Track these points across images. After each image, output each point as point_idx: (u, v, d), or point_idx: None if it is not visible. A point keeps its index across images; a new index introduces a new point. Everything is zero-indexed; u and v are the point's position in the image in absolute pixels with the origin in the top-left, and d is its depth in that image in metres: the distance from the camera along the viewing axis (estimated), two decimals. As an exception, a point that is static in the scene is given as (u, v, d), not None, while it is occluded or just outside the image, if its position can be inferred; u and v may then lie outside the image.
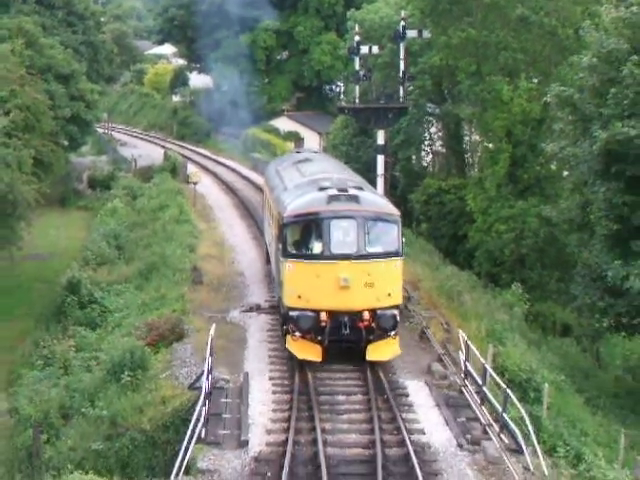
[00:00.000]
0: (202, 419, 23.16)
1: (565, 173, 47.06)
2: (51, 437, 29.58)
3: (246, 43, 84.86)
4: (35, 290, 50.56)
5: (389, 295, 24.41)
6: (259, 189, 57.36)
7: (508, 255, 47.91)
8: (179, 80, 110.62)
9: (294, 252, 25.11)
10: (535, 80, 48.85)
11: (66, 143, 65.91)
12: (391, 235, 25.57)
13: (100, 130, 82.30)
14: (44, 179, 51.12)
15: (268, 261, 41.27)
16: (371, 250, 24.65)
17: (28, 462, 29.38)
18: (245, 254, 47.87)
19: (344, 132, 67.47)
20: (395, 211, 26.07)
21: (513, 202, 47.63)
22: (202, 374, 25.72)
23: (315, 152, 43.10)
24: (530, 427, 23.50)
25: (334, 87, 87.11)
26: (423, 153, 63.35)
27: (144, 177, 70.40)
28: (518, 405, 23.45)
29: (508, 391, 21.81)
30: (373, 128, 49.34)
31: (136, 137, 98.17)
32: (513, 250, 47.69)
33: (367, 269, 24.06)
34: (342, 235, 23.73)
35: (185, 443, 22.01)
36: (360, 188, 26.73)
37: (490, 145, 50.53)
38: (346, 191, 25.15)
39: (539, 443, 23.88)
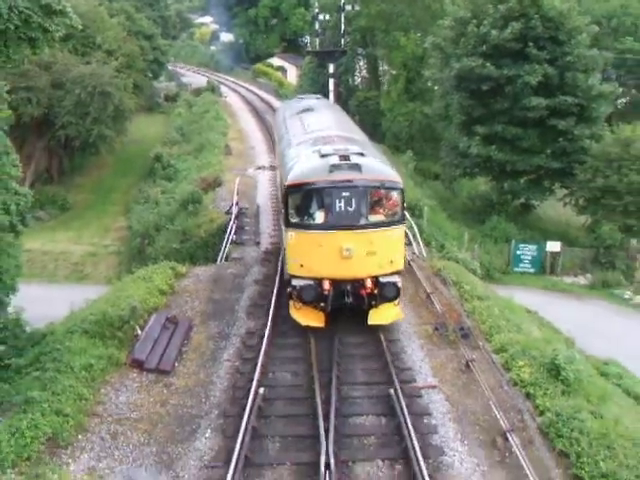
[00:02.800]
0: (233, 230, 28.40)
1: (436, 87, 54.92)
2: (150, 242, 35.31)
3: (252, 14, 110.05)
4: (137, 159, 57.65)
5: (391, 262, 18.66)
6: (262, 101, 75.88)
7: (404, 135, 58.81)
8: (214, 37, 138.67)
9: (296, 221, 18.77)
10: (419, 34, 58.60)
11: (151, 75, 79.12)
12: (393, 203, 19.28)
13: (170, 67, 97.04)
14: (139, 96, 62.66)
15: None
16: (373, 219, 18.60)
17: (138, 256, 35.51)
18: (255, 137, 55.79)
19: (310, 65, 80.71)
20: (397, 178, 19.29)
21: (407, 104, 58.98)
22: (232, 205, 30.70)
23: (317, 98, 33.53)
24: (416, 230, 29.64)
25: (304, 39, 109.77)
26: (356, 77, 76.51)
27: (196, 94, 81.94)
28: (410, 219, 28.46)
29: (405, 213, 21.12)
30: (327, 63, 61.70)
31: (190, 71, 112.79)
32: (407, 132, 58.71)
33: (369, 238, 18.30)
34: (344, 205, 18.16)
35: (224, 243, 27.69)
36: (361, 154, 19.28)
37: (393, 72, 63.45)
38: (348, 159, 18.70)
39: (421, 239, 29.98)
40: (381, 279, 18.62)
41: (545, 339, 20.64)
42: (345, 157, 18.79)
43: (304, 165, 19.28)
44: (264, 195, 35.57)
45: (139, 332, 18.20)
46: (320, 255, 18.28)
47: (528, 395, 16.38)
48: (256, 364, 16.77)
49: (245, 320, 20.07)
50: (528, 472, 13.41)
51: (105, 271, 39.07)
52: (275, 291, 21.43)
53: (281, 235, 22.99)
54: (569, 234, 41.53)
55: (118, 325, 18.27)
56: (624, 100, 57.22)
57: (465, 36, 44.03)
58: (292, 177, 18.93)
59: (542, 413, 15.41)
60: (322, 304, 18.65)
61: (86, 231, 45.57)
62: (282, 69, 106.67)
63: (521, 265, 37.82)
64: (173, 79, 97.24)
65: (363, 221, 18.42)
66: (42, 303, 19.88)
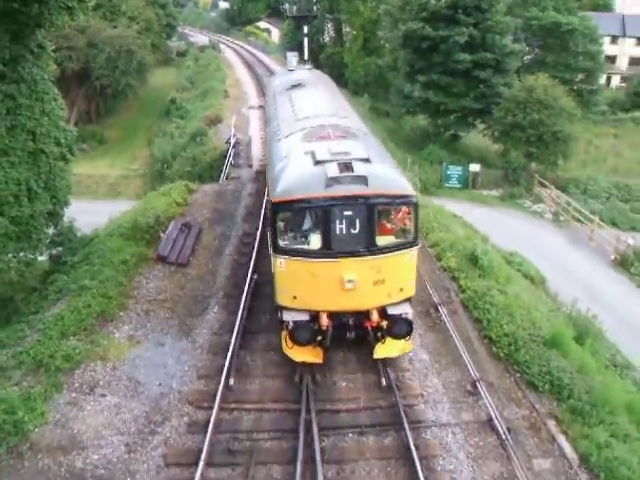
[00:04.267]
0: (231, 156, 27.84)
1: (387, 45, 54.24)
2: (168, 166, 35.23)
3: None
4: (156, 103, 56.50)
5: (401, 290, 12.11)
6: (253, 55, 72.74)
7: (362, 82, 57.19)
8: (213, 5, 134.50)
9: (286, 246, 11.88)
10: (374, 2, 56.66)
11: (165, 36, 76.44)
12: (406, 221, 12.57)
13: (179, 29, 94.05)
14: (156, 53, 61.20)
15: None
16: (381, 242, 11.78)
17: (159, 177, 35.22)
18: (247, 83, 54.10)
19: (289, 27, 77.73)
20: (410, 190, 12.02)
21: (364, 58, 57.22)
22: (230, 136, 29.72)
23: (308, 69, 24.61)
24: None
25: (285, 6, 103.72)
26: (325, 36, 73.31)
27: (200, 50, 78.82)
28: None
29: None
30: (302, 25, 62.43)
31: (195, 32, 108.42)
32: (364, 80, 57.08)
33: (376, 265, 11.67)
34: (345, 227, 11.46)
35: (225, 166, 27.40)
36: (366, 159, 11.73)
37: (354, 32, 60.89)
38: (350, 168, 11.45)
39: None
40: (389, 310, 11.92)
41: (467, 237, 20.91)
42: (347, 166, 11.32)
43: (295, 174, 11.73)
44: (255, 128, 34.66)
45: (162, 235, 18.08)
46: (317, 286, 11.56)
47: (454, 278, 16.55)
48: (251, 257, 16.67)
49: (242, 224, 19.88)
50: (453, 334, 13.74)
51: (134, 189, 38.78)
52: (264, 202, 19.11)
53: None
54: (487, 158, 41.76)
55: (146, 230, 18.14)
56: (529, 57, 56.57)
57: (409, 4, 44.25)
58: (280, 191, 11.52)
59: (464, 291, 15.65)
60: (320, 339, 11.91)
61: (118, 159, 45.68)
62: (267, 30, 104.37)
63: (450, 182, 38.11)
64: (182, 39, 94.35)
65: (369, 246, 11.44)
66: (88, 215, 19.74)
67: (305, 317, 11.75)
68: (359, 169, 11.27)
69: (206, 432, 10.77)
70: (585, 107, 47.24)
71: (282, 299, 12.02)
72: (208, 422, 11.02)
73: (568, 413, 11.85)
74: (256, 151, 29.11)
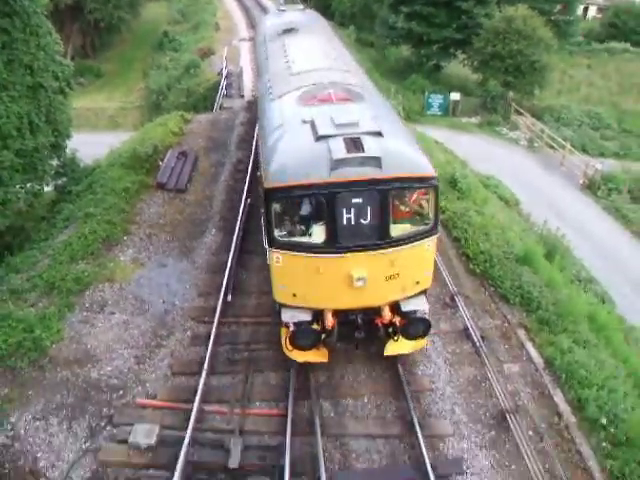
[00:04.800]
0: (224, 86, 26.94)
1: None
2: (163, 98, 34.44)
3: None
4: (149, 36, 54.02)
5: (417, 283, 9.73)
6: None
7: (348, 14, 54.90)
8: None
9: (284, 239, 9.19)
10: None
11: None
12: (425, 207, 9.61)
13: None
14: None
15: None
16: (396, 233, 9.20)
17: (155, 108, 34.40)
18: (237, 16, 51.69)
19: None
20: (431, 170, 9.19)
21: None
22: (222, 68, 28.56)
23: (301, 10, 20.25)
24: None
25: None
26: None
27: None
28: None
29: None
30: None
31: None
32: (350, 11, 54.83)
33: (390, 259, 9.24)
34: (354, 216, 8.90)
35: (218, 97, 26.64)
36: (378, 133, 8.96)
37: None
38: (359, 146, 8.69)
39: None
40: (403, 306, 9.72)
41: (447, 161, 20.80)
42: (355, 142, 8.78)
43: (292, 154, 9.07)
44: (245, 60, 33.60)
45: (160, 163, 17.73)
46: (320, 283, 9.20)
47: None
48: (244, 183, 16.43)
49: (235, 152, 19.44)
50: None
51: (132, 121, 37.73)
52: (256, 130, 18.15)
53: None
54: (467, 87, 40.73)
55: (145, 159, 17.71)
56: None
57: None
58: (275, 175, 8.89)
59: (444, 212, 15.55)
60: (325, 337, 9.82)
61: (116, 92, 44.37)
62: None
63: (432, 109, 37.31)
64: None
65: (382, 238, 8.97)
66: (89, 146, 19.28)
67: (307, 316, 9.53)
68: (370, 147, 8.64)
69: (207, 344, 10.95)
70: (562, 38, 45.53)
71: (280, 296, 9.64)
72: (209, 335, 11.20)
73: (536, 323, 12.13)
74: (247, 82, 28.26)
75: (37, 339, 11.01)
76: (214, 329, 11.32)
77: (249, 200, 15.55)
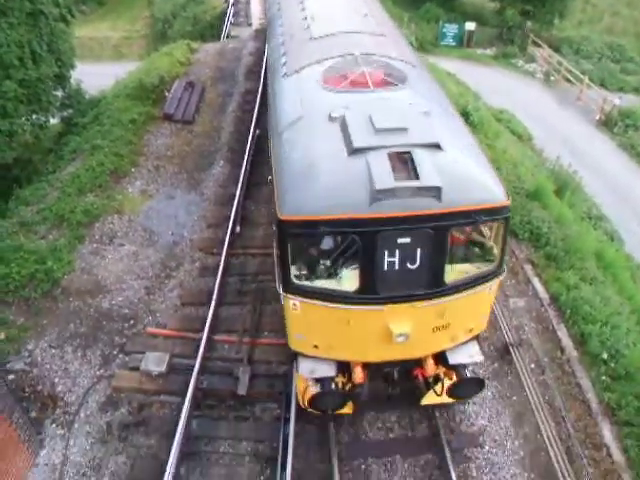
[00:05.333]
0: (231, 14, 26.57)
1: None
2: (169, 26, 33.21)
3: None
4: None
5: (470, 330, 7.41)
6: None
7: None
8: None
9: (304, 284, 6.70)
10: None
11: None
12: (491, 244, 7.00)
13: None
14: None
15: None
16: (452, 278, 6.71)
17: (161, 37, 33.02)
18: None
19: None
20: (503, 198, 6.45)
21: None
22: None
23: None
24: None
25: None
26: None
27: None
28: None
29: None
30: None
31: None
32: None
33: (441, 309, 6.82)
34: (399, 261, 6.33)
35: (225, 25, 26.17)
36: (436, 146, 6.41)
37: None
38: (412, 170, 6.09)
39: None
40: (452, 358, 7.55)
41: (460, 94, 20.27)
42: (404, 161, 6.42)
43: (317, 173, 6.54)
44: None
45: (167, 94, 17.38)
46: (350, 335, 7.12)
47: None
48: (252, 114, 16.11)
49: (243, 82, 18.96)
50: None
51: (138, 50, 36.54)
52: (265, 60, 17.56)
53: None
54: (483, 17, 38.90)
55: (151, 89, 17.35)
56: None
57: None
58: (294, 203, 6.48)
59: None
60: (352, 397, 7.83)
61: (119, 21, 42.43)
62: None
63: (446, 40, 35.82)
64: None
65: (434, 286, 6.81)
66: (94, 77, 18.84)
67: (330, 371, 7.44)
68: (426, 170, 6.22)
69: (216, 275, 11.06)
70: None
71: (297, 346, 7.55)
72: (218, 266, 11.30)
73: (543, 259, 12.11)
74: (255, 9, 27.17)
75: (49, 270, 11.18)
76: (222, 260, 11.40)
77: (257, 131, 15.31)
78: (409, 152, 6.46)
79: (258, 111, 16.20)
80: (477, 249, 7.22)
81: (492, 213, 6.58)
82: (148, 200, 13.67)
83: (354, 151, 6.53)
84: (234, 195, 13.06)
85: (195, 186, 14.19)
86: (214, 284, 10.88)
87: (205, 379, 9.42)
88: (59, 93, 16.61)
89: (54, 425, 9.06)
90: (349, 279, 6.80)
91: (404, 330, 6.84)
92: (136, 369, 9.63)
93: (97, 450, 8.74)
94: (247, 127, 15.71)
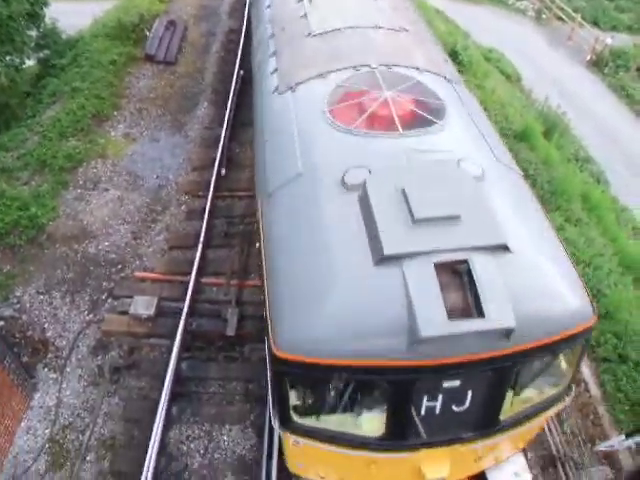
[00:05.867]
0: None
1: None
2: None
3: None
4: None
5: (518, 447, 5.87)
6: None
7: None
8: None
9: (306, 425, 4.79)
10: None
11: None
12: (562, 365, 5.05)
13: None
14: None
15: None
16: (510, 414, 4.92)
17: None
18: None
19: None
20: (588, 317, 4.49)
21: None
22: None
23: None
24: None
25: None
26: None
27: None
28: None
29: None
30: None
31: None
32: None
33: (489, 446, 5.17)
34: (442, 405, 4.50)
35: None
36: (504, 248, 4.37)
37: None
38: (472, 300, 4.02)
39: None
40: (491, 477, 6.04)
41: (449, 32, 19.80)
42: (457, 272, 4.33)
43: (329, 294, 4.37)
44: None
45: (147, 33, 16.76)
46: (370, 476, 5.47)
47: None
48: (237, 54, 15.62)
49: (227, 21, 18.32)
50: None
51: (116, -12, 35.11)
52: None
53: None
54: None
55: (131, 29, 16.71)
56: None
57: None
58: (295, 338, 4.42)
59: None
60: None
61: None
62: None
63: (435, -23, 34.80)
64: None
65: (486, 426, 5.10)
66: (70, 16, 18.00)
67: None
68: (491, 297, 4.32)
69: (203, 218, 11.01)
70: None
71: (298, 470, 6.07)
72: (204, 209, 11.23)
73: (530, 199, 12.09)
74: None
75: (33, 217, 11.06)
76: (209, 203, 11.33)
77: (242, 72, 14.91)
78: (466, 261, 4.39)
79: (242, 51, 15.72)
80: (543, 373, 5.30)
81: (574, 339, 4.78)
82: (132, 144, 13.42)
83: (384, 259, 4.42)
84: (219, 137, 12.86)
85: (179, 128, 13.93)
86: (201, 227, 10.84)
87: (194, 321, 9.50)
88: (33, 33, 15.90)
89: (46, 369, 9.16)
90: (370, 422, 5.03)
91: (440, 475, 5.25)
92: (125, 313, 9.68)
93: (90, 392, 8.88)
94: (231, 67, 15.32)
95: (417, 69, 6.83)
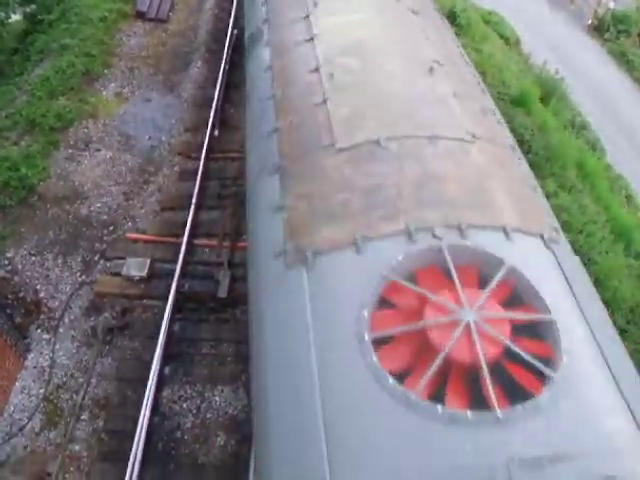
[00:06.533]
0: None
1: None
2: None
3: None
4: None
5: None
6: None
7: None
8: None
9: None
10: None
11: None
12: None
13: None
14: None
15: None
16: None
17: None
18: None
19: None
20: None
21: None
22: None
23: None
24: None
25: None
26: None
27: None
28: None
29: None
30: None
31: None
32: None
33: None
34: None
35: None
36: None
37: None
38: None
39: None
40: None
41: (448, -7, 19.22)
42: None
43: None
44: None
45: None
46: None
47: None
48: (230, 12, 15.36)
49: (221, -22, 17.88)
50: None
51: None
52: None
53: None
54: None
55: (121, -17, 16.18)
56: None
57: None
58: None
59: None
60: None
61: None
62: None
63: None
64: None
65: None
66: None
67: None
68: None
69: (195, 179, 10.94)
70: None
71: None
72: (197, 170, 11.14)
73: (525, 166, 12.02)
74: None
75: (23, 177, 10.90)
76: (202, 164, 11.24)
77: (235, 31, 14.60)
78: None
79: (236, 9, 15.33)
80: None
81: None
82: (123, 103, 13.18)
83: None
84: (212, 97, 12.69)
85: (172, 88, 13.68)
86: (193, 188, 10.77)
87: (186, 283, 9.52)
88: (19, -15, 15.49)
89: (39, 330, 9.18)
90: None
91: None
92: (118, 274, 9.67)
93: (83, 353, 8.93)
94: (225, 26, 15.01)
95: (504, 231, 4.13)
